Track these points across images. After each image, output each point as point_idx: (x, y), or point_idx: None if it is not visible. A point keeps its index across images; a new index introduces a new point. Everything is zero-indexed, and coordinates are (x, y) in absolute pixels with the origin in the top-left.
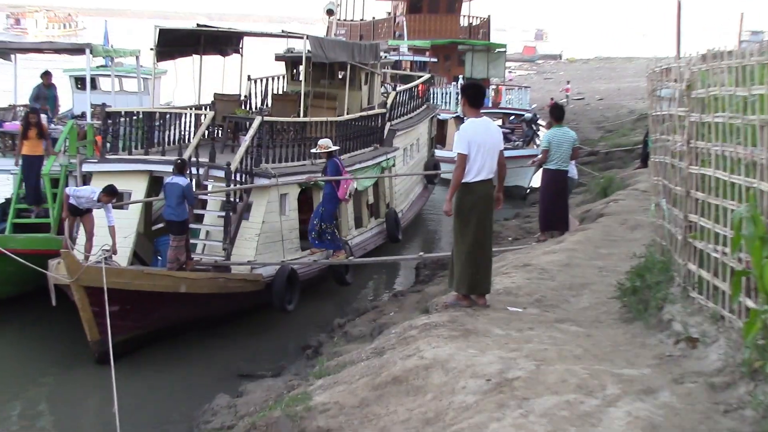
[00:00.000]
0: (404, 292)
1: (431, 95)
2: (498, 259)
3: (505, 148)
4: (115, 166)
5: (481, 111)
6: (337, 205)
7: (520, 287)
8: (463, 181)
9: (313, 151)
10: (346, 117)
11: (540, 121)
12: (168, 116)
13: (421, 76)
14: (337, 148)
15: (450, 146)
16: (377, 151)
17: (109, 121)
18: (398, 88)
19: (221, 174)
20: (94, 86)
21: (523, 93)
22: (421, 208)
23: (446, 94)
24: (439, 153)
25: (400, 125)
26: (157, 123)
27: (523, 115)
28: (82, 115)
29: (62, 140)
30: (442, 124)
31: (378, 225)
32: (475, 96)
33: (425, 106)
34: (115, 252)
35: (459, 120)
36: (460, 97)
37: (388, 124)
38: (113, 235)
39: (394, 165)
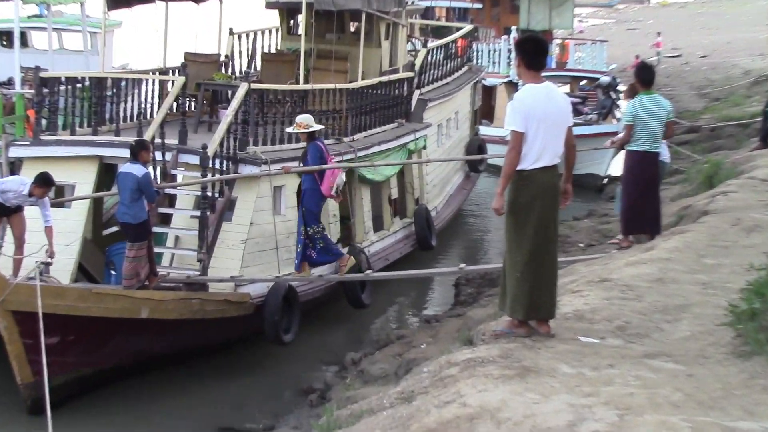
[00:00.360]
0: (440, 316)
1: (474, 53)
2: (565, 273)
3: (575, 124)
4: (53, 150)
5: (543, 74)
6: (321, 203)
7: (595, 310)
8: (518, 168)
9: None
10: (360, 83)
11: (621, 87)
12: (124, 83)
13: (461, 28)
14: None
15: (500, 121)
16: (402, 129)
17: (46, 90)
18: (430, 45)
19: (195, 160)
20: (24, 43)
21: (598, 49)
22: (462, 204)
23: (494, 51)
24: (485, 131)
25: (433, 94)
26: (109, 92)
27: (599, 78)
28: (9, 82)
29: None
30: (489, 93)
31: (404, 227)
32: (534, 54)
33: (466, 68)
34: (51, 256)
35: (512, 86)
36: (513, 55)
37: (417, 92)
38: (50, 239)
39: (425, 147)
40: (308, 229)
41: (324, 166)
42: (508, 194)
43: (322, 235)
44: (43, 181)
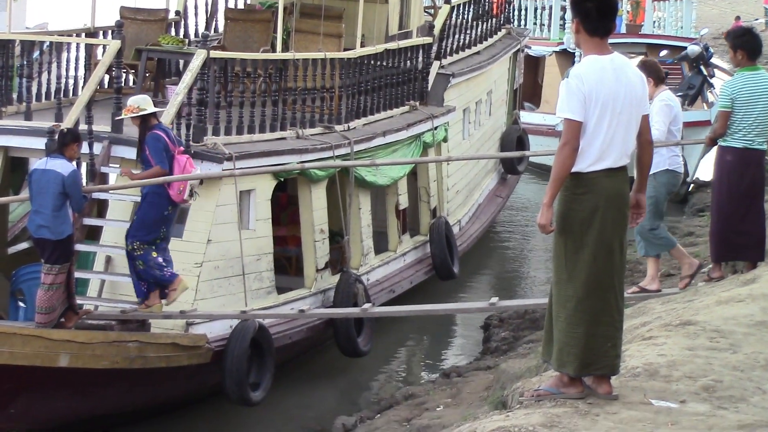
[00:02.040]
0: (462, 369)
1: (515, 12)
2: (634, 313)
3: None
4: None
5: (609, 41)
6: (164, 211)
7: (674, 364)
8: (573, 170)
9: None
10: (359, 51)
11: (716, 60)
12: (39, 49)
13: None
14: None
15: (550, 106)
16: (416, 115)
17: None
18: (454, 0)
19: (133, 154)
20: None
21: (684, 7)
22: (495, 217)
23: (542, 10)
24: (527, 117)
25: (459, 67)
26: (18, 62)
27: (685, 48)
28: None
29: None
30: (534, 66)
31: (416, 248)
32: (598, 14)
33: (504, 31)
34: None
35: (567, 58)
36: (569, 15)
37: (437, 64)
38: None
39: (446, 140)
40: (130, 243)
41: (182, 176)
42: (558, 206)
43: (145, 252)
44: None
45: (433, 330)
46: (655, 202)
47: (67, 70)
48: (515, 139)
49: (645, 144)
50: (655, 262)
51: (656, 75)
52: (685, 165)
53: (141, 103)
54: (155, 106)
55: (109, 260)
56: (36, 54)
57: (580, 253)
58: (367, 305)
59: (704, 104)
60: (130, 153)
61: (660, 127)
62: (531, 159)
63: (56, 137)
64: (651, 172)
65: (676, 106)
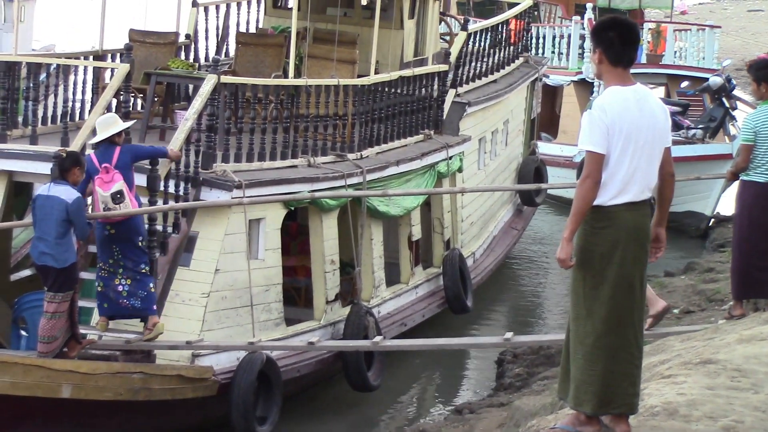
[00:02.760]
0: (476, 405)
1: (533, 40)
2: (653, 350)
3: (673, 142)
4: None
5: (631, 71)
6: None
7: (694, 403)
8: (595, 203)
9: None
10: (373, 78)
11: (738, 92)
12: (46, 72)
13: (515, 4)
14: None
15: (567, 136)
16: (430, 144)
17: None
18: (471, 27)
19: (140, 181)
20: None
21: (706, 38)
22: (511, 249)
23: (560, 38)
24: (545, 148)
25: (475, 95)
26: (24, 84)
27: (707, 79)
28: None
29: None
30: (552, 95)
31: (429, 280)
32: (621, 44)
33: (522, 59)
34: None
35: (585, 87)
36: (589, 44)
37: (453, 92)
38: None
39: (460, 170)
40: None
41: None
42: (578, 240)
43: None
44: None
45: (446, 365)
46: None
47: (74, 94)
48: (533, 170)
49: (667, 177)
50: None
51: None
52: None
53: (110, 121)
54: (162, 135)
55: None
56: (42, 76)
57: (599, 289)
58: (377, 338)
59: (726, 137)
60: (138, 180)
61: None
62: (549, 191)
63: (60, 164)
64: None
65: None
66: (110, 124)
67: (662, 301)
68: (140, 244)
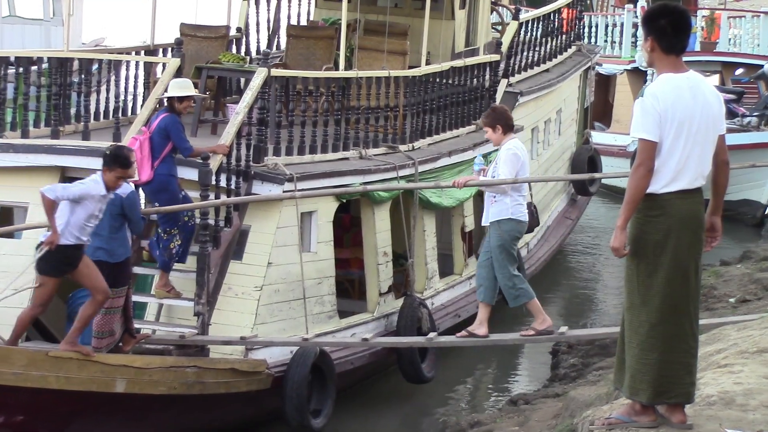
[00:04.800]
0: (530, 396)
1: (584, 29)
2: (709, 339)
3: (727, 130)
4: None
5: (683, 59)
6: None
7: (751, 392)
8: (648, 191)
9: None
10: (424, 69)
11: None
12: (96, 66)
13: None
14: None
15: (621, 125)
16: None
17: None
18: (523, 16)
19: (192, 175)
20: None
21: (762, 24)
22: (564, 240)
23: (613, 26)
24: (598, 137)
25: (527, 85)
26: (75, 79)
27: (761, 66)
28: None
29: None
30: (605, 84)
31: None
32: (673, 32)
33: (574, 48)
34: None
35: (638, 76)
36: (641, 32)
37: (504, 82)
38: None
39: None
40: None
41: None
42: (631, 228)
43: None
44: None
45: (500, 356)
46: (504, 249)
47: (125, 89)
48: (586, 159)
49: (722, 164)
50: (487, 307)
51: (505, 123)
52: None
53: (185, 84)
54: (213, 129)
55: None
56: (95, 67)
57: (653, 278)
58: (432, 335)
59: None
60: (190, 174)
61: (508, 176)
62: (603, 180)
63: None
64: (495, 220)
65: (524, 154)
66: (180, 87)
67: (549, 320)
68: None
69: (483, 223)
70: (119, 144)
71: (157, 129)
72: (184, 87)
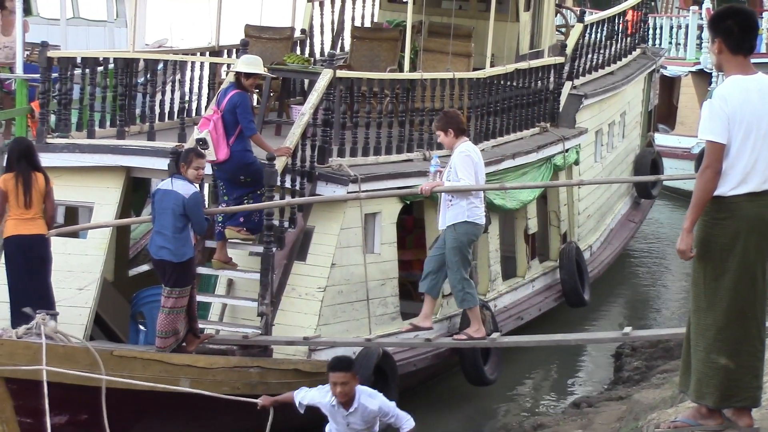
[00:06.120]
0: (594, 399)
1: (649, 31)
2: None
3: None
4: (62, 158)
5: (752, 60)
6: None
7: None
8: (715, 193)
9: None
10: (489, 71)
11: None
12: (161, 67)
13: None
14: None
15: (685, 127)
16: (547, 137)
17: (55, 75)
18: (588, 18)
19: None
20: (28, 9)
21: None
22: (628, 242)
23: (678, 28)
24: (662, 140)
25: (591, 87)
26: (141, 79)
27: None
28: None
29: None
30: (669, 86)
31: (546, 274)
32: (741, 33)
33: (639, 51)
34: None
35: (704, 78)
36: (707, 34)
37: (569, 84)
38: None
39: (577, 163)
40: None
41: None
42: (698, 231)
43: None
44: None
45: (562, 358)
46: (459, 252)
47: (190, 90)
48: (649, 162)
49: None
50: (432, 300)
51: (457, 126)
52: None
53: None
54: (278, 130)
55: (231, 284)
56: (160, 66)
57: (720, 281)
58: (495, 335)
59: None
60: None
61: (469, 178)
62: (666, 183)
63: (177, 159)
64: (451, 223)
65: (477, 156)
66: (249, 63)
67: (483, 330)
68: (243, 180)
69: (439, 227)
70: (185, 144)
71: (228, 106)
72: (252, 63)
